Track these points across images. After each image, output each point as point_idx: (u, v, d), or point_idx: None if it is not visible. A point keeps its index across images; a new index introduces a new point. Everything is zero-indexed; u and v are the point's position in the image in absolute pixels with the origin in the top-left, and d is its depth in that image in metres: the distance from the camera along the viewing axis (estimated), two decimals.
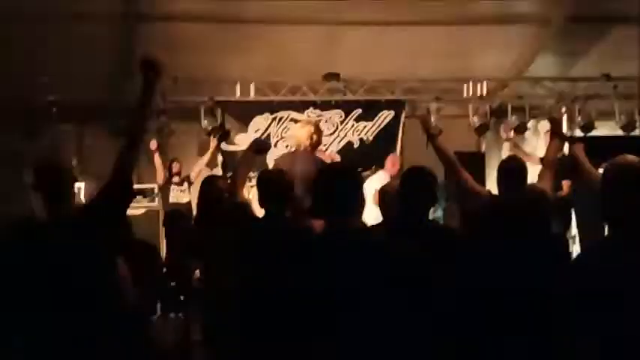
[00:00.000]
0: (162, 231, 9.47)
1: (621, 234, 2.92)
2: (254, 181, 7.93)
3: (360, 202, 3.28)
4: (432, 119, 10.48)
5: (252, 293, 4.27)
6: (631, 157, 3.03)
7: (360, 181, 3.43)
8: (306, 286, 3.15)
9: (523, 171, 5.34)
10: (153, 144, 10.04)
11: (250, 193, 7.68)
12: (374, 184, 7.82)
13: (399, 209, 4.22)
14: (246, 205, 4.60)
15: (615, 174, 3.03)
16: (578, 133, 11.03)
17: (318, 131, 7.06)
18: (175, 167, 10.49)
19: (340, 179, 3.28)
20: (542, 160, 8.23)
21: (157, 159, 10.26)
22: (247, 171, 4.88)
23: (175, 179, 10.39)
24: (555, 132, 5.37)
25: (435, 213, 9.20)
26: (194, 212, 9.74)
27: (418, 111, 11.30)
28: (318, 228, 4.44)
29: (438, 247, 3.62)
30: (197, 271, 5.31)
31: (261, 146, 5.11)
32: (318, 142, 7.10)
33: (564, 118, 11.33)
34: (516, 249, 4.27)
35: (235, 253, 4.48)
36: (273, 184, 4.47)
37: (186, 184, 10.32)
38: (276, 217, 4.41)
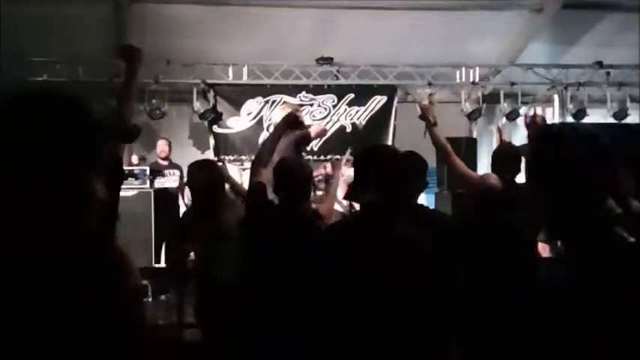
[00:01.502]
0: (153, 213, 9.51)
1: None
2: (246, 165, 7.94)
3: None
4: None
5: (253, 278, 4.26)
6: None
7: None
8: (309, 278, 3.14)
9: (517, 157, 5.38)
10: (134, 158, 10.09)
11: (242, 177, 7.70)
12: None
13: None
14: (264, 187, 4.50)
15: None
16: (570, 120, 11.08)
17: (296, 116, 7.19)
18: (163, 150, 10.36)
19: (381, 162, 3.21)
20: None
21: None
22: (274, 148, 4.77)
23: (164, 163, 10.29)
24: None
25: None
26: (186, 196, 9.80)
27: (410, 96, 11.32)
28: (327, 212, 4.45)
29: (428, 231, 3.63)
30: (192, 254, 5.31)
31: (293, 121, 5.06)
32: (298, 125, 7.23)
33: (556, 104, 11.37)
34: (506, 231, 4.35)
35: (240, 234, 4.43)
36: (289, 173, 4.40)
37: (177, 172, 10.19)
38: (287, 207, 4.35)
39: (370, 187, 3.10)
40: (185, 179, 5.30)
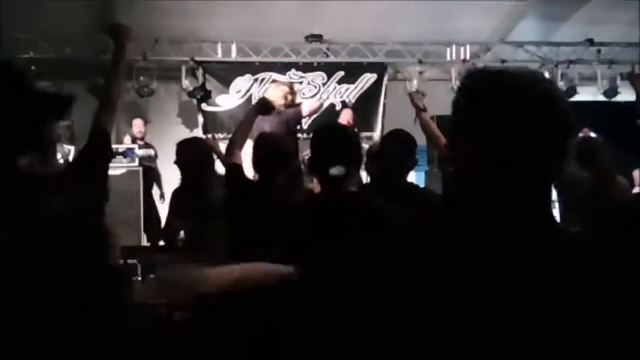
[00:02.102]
0: (142, 191, 9.46)
1: None
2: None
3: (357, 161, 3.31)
4: (414, 82, 10.56)
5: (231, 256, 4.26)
6: None
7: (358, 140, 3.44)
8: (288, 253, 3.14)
9: None
10: (127, 139, 9.99)
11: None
12: None
13: (378, 170, 4.23)
14: (240, 167, 4.53)
15: None
16: None
17: (292, 92, 7.17)
18: (140, 130, 10.19)
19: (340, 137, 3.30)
20: None
21: None
22: (248, 131, 4.81)
23: (140, 142, 10.08)
24: None
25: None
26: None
27: (400, 74, 11.29)
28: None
29: (416, 208, 3.63)
30: (182, 232, 5.29)
31: (266, 106, 5.05)
32: (293, 103, 7.22)
33: None
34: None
35: (223, 215, 4.44)
36: (267, 149, 4.40)
37: (152, 151, 10.10)
38: (266, 183, 4.36)
39: (328, 162, 3.15)
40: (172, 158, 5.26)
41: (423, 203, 4.02)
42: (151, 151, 10.02)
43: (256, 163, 4.38)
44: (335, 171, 3.19)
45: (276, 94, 7.02)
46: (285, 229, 3.36)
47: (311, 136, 3.54)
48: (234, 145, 4.60)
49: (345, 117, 9.51)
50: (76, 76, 9.95)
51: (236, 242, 4.25)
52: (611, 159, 5.84)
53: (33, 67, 9.59)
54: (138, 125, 10.15)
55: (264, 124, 6.73)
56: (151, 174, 9.85)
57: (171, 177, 6.64)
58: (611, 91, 11.16)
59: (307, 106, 7.19)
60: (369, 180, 4.71)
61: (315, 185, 4.85)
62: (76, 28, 9.71)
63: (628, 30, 10.56)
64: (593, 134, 9.84)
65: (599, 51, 10.99)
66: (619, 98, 11.19)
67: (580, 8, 10.42)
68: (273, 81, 10.45)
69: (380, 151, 4.25)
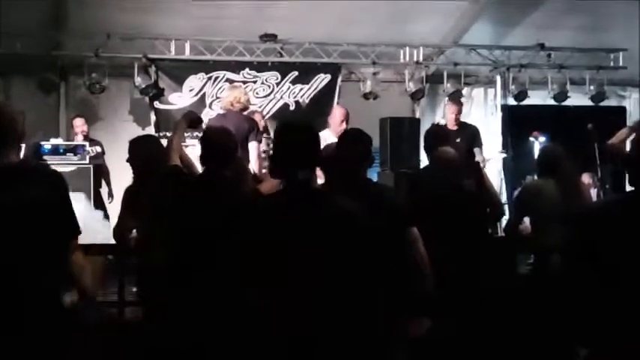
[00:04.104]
0: (92, 188, 9.34)
1: None
2: (188, 141, 7.90)
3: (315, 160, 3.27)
4: (368, 84, 10.64)
5: (174, 252, 4.27)
6: None
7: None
8: (240, 247, 3.13)
9: (447, 136, 6.31)
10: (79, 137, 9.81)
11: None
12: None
13: (338, 169, 4.24)
14: (179, 169, 4.57)
15: None
16: (512, 101, 11.21)
17: (246, 94, 7.69)
18: (83, 129, 9.88)
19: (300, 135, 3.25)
20: None
21: None
22: (180, 139, 4.91)
23: (85, 141, 9.75)
24: None
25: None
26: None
27: (354, 75, 11.33)
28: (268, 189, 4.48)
29: (372, 204, 3.66)
30: (134, 231, 5.25)
31: (193, 121, 5.10)
32: (248, 103, 7.68)
33: (498, 86, 11.49)
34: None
35: (168, 214, 4.44)
36: (215, 143, 4.44)
37: (99, 148, 9.89)
38: (214, 175, 4.38)
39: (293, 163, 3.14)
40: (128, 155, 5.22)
41: (381, 199, 4.09)
42: (98, 148, 9.85)
43: (202, 158, 4.45)
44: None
45: (234, 96, 7.41)
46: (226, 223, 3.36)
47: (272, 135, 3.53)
48: (171, 152, 4.70)
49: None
50: (26, 72, 9.80)
51: (179, 238, 4.26)
52: (573, 167, 5.94)
53: None
54: (79, 125, 9.90)
55: (229, 122, 6.81)
56: (99, 171, 9.70)
57: (121, 175, 6.59)
58: (561, 96, 11.34)
59: (255, 151, 7.11)
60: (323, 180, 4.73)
61: (262, 184, 4.91)
62: (26, 24, 9.54)
63: (577, 35, 10.78)
64: (542, 137, 10.02)
65: (549, 55, 11.14)
66: (568, 102, 11.38)
67: (531, 13, 10.58)
68: (227, 80, 10.42)
69: (339, 150, 4.29)
